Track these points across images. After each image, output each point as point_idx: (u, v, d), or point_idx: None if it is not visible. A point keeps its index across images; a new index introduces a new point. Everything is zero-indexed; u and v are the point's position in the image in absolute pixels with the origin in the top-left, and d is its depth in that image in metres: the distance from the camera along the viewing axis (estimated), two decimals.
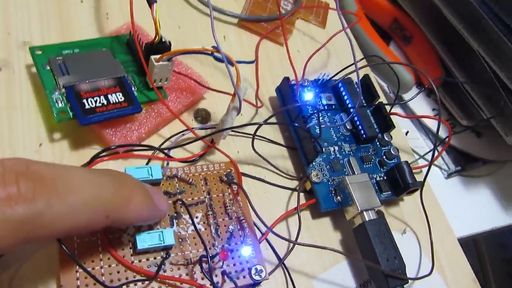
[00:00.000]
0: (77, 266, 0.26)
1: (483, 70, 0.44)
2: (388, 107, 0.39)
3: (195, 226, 0.28)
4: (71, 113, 0.29)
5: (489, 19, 0.42)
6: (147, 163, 0.31)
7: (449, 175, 0.47)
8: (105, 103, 0.30)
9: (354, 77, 0.36)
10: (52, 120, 0.31)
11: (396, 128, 0.41)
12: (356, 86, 0.40)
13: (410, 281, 0.34)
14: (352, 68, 0.34)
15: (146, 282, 0.27)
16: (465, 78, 0.47)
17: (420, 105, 0.50)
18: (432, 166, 0.47)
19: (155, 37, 0.31)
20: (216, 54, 0.30)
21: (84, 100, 0.30)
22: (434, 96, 0.51)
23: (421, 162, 0.42)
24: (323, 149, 0.36)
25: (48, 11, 0.36)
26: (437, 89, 0.50)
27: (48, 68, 0.31)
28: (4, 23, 0.34)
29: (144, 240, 0.27)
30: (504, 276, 0.84)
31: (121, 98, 0.31)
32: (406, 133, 0.48)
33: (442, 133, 0.48)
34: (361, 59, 0.41)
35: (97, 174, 0.23)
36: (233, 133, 0.36)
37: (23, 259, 0.26)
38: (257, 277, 0.29)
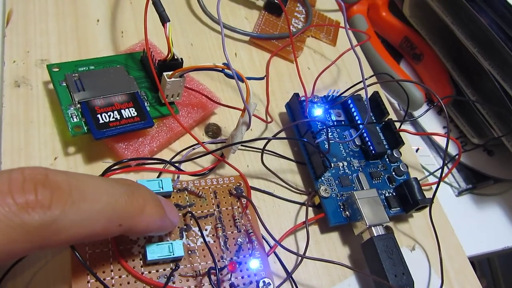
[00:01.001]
0: (89, 276, 0.26)
1: (494, 89, 0.44)
2: (397, 124, 0.40)
3: (204, 239, 0.29)
4: (85, 128, 0.30)
5: (500, 39, 0.42)
6: (158, 176, 0.32)
7: (460, 193, 0.47)
8: (119, 118, 0.31)
9: (363, 93, 0.36)
10: (67, 135, 0.32)
11: (406, 145, 0.42)
12: (365, 103, 0.40)
13: None
14: (362, 85, 0.35)
15: None
16: (476, 96, 0.48)
17: (431, 122, 0.51)
18: (443, 184, 0.47)
19: (168, 54, 0.32)
20: (226, 70, 0.31)
21: (98, 115, 0.31)
22: (444, 114, 0.51)
23: (431, 179, 0.42)
24: (332, 164, 0.36)
25: (66, 31, 0.38)
26: (448, 107, 0.51)
27: (64, 84, 0.32)
28: (24, 42, 0.36)
29: (154, 252, 0.28)
30: None
31: (134, 113, 0.31)
32: (417, 150, 0.48)
33: (453, 151, 0.48)
34: (371, 76, 0.42)
35: (112, 183, 0.24)
36: (243, 147, 0.36)
37: (38, 266, 0.27)
38: None
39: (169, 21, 0.31)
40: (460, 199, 0.47)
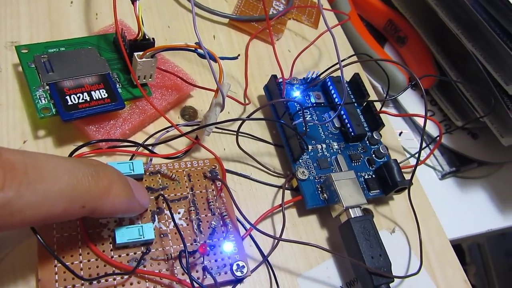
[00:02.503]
0: (56, 261, 0.26)
1: (477, 71, 0.44)
2: (378, 107, 0.39)
3: (174, 221, 0.28)
4: (54, 110, 0.30)
5: (484, 19, 0.42)
6: (130, 159, 0.31)
7: (443, 176, 0.47)
8: (88, 99, 0.30)
9: (344, 75, 0.35)
10: (37, 118, 0.31)
11: (388, 128, 0.41)
12: (345, 84, 0.40)
13: (398, 280, 0.34)
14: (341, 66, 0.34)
15: (125, 277, 0.27)
16: (460, 78, 0.47)
17: (416, 106, 0.50)
18: (426, 167, 0.47)
19: (138, 33, 0.31)
20: (199, 50, 0.30)
21: (67, 97, 0.30)
22: (428, 97, 0.51)
23: (414, 162, 0.41)
24: (310, 146, 0.36)
25: (38, 13, 0.37)
26: (432, 90, 0.50)
27: (33, 66, 0.31)
28: None
29: (123, 235, 0.27)
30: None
31: (104, 95, 0.31)
32: (400, 134, 0.48)
33: (435, 133, 0.48)
34: (351, 56, 0.41)
35: (75, 163, 0.23)
36: (219, 130, 0.36)
37: (4, 252, 0.26)
38: (238, 273, 0.29)
39: None
40: (443, 183, 0.47)
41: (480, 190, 0.48)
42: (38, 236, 0.24)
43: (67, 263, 0.26)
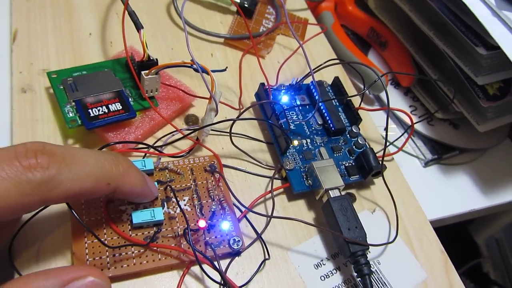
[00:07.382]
0: (86, 238, 0.32)
1: (450, 67, 0.49)
2: (356, 105, 0.45)
3: (180, 206, 0.34)
4: (79, 121, 0.37)
5: (451, 21, 0.47)
6: (143, 158, 0.38)
7: (427, 164, 0.52)
8: (106, 111, 0.37)
9: (325, 78, 0.42)
10: (66, 129, 0.38)
11: (369, 122, 0.47)
12: (327, 87, 0.46)
13: (379, 250, 0.39)
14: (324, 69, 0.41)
15: (142, 250, 0.33)
16: (437, 75, 0.52)
17: (398, 103, 0.55)
18: (410, 156, 0.52)
19: (144, 56, 0.38)
20: (194, 66, 0.37)
21: (90, 110, 0.37)
22: (411, 94, 0.56)
23: (393, 150, 0.47)
24: (296, 141, 0.42)
25: (63, 44, 0.44)
26: (414, 87, 0.56)
27: (62, 87, 0.38)
28: (28, 56, 0.42)
29: (138, 216, 0.33)
30: None
31: (119, 107, 0.38)
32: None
33: (419, 126, 0.53)
34: (327, 61, 0.46)
35: (99, 152, 0.30)
36: (217, 132, 0.42)
37: (44, 235, 0.33)
38: (235, 246, 0.35)
39: (142, 28, 0.37)
40: (427, 170, 0.52)
41: (463, 175, 0.52)
42: (73, 211, 0.30)
43: (94, 240, 0.32)
